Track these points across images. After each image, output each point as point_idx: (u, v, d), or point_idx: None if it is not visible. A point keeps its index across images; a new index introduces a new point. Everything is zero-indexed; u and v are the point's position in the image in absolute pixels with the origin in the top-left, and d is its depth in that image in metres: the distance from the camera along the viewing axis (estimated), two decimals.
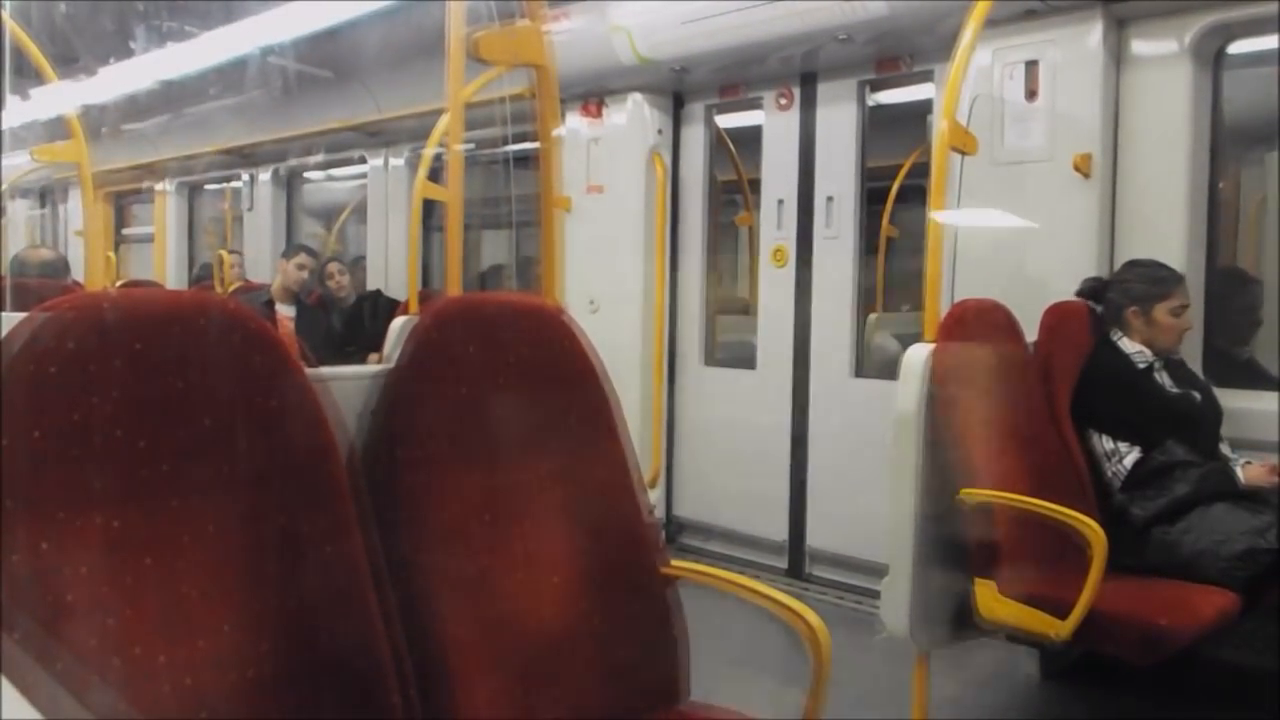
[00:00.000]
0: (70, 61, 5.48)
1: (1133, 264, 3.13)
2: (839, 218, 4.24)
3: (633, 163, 4.74)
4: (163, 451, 1.39)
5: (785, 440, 4.43)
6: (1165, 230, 3.25)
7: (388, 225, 6.26)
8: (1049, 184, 3.40)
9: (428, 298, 4.20)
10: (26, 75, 4.16)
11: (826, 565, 4.35)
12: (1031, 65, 3.44)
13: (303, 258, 5.20)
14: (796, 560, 4.44)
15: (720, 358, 4.90)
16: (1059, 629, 2.41)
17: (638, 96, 4.71)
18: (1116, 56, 3.34)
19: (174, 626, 1.36)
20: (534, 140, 2.30)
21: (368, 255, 6.48)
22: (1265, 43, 3.34)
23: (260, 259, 7.11)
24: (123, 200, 9.33)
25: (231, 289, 6.28)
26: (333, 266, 5.63)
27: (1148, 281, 3.03)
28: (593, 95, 4.83)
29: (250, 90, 5.80)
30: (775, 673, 3.24)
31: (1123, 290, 3.07)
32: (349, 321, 5.50)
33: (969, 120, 3.26)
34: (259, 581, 1.45)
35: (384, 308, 5.52)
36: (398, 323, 1.99)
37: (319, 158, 6.85)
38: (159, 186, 8.25)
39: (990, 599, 2.57)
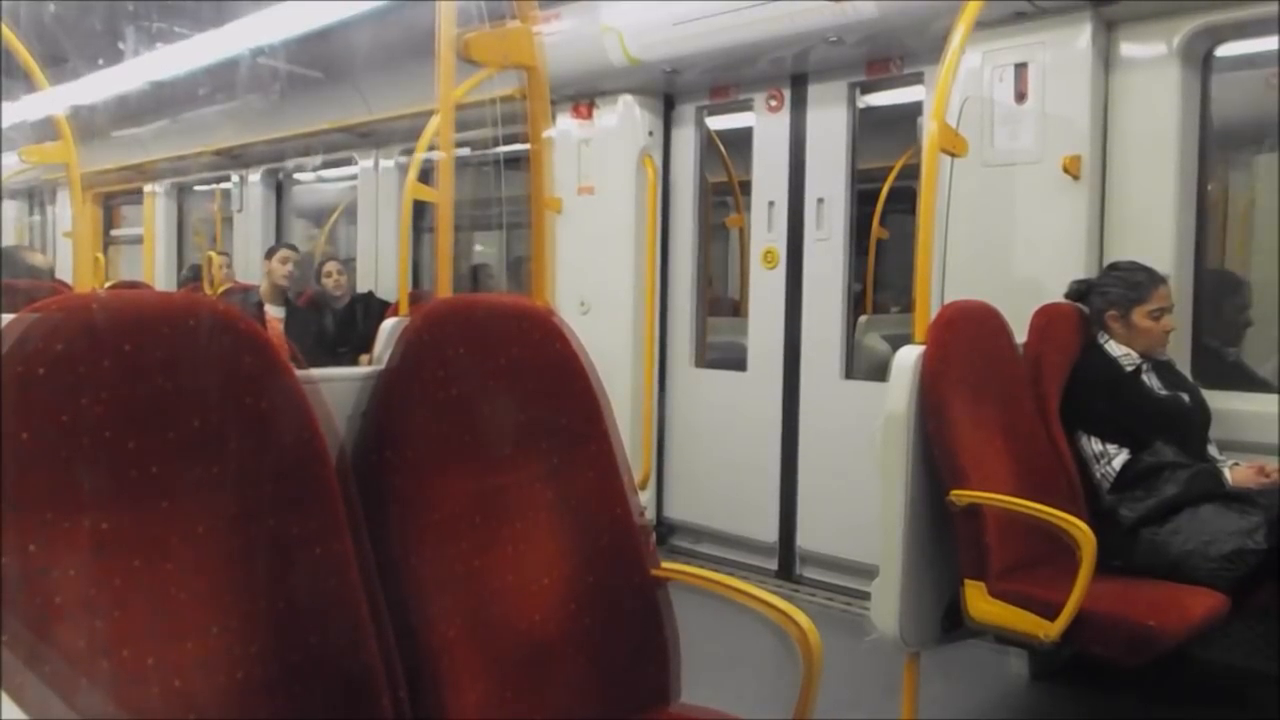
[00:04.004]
0: (59, 62, 5.45)
1: (1112, 267, 3.14)
2: (829, 219, 4.25)
3: (623, 164, 4.73)
4: (152, 453, 1.38)
5: (776, 442, 4.43)
6: (1154, 232, 3.26)
7: (378, 226, 6.25)
8: (1038, 185, 3.41)
9: (418, 299, 4.19)
10: (15, 76, 4.13)
11: (816, 567, 4.36)
12: (1021, 67, 3.45)
13: (285, 252, 5.27)
14: (787, 562, 4.45)
15: (711, 359, 4.90)
16: (1048, 630, 2.42)
17: (628, 98, 4.71)
18: (1106, 59, 3.35)
19: (163, 628, 1.36)
20: (524, 141, 2.30)
21: (358, 256, 6.47)
22: (1253, 45, 3.36)
23: (250, 260, 7.09)
24: (112, 202, 9.30)
25: (220, 290, 6.27)
26: (330, 265, 5.63)
27: (1124, 286, 3.03)
28: (583, 96, 4.83)
29: (240, 91, 5.79)
30: (766, 674, 3.24)
31: (1101, 295, 3.07)
32: (340, 322, 5.49)
33: (959, 122, 3.28)
34: (248, 583, 1.45)
35: (375, 309, 5.51)
36: (388, 324, 1.99)
37: (309, 159, 6.84)
38: (148, 188, 8.23)
39: (980, 600, 2.58)
